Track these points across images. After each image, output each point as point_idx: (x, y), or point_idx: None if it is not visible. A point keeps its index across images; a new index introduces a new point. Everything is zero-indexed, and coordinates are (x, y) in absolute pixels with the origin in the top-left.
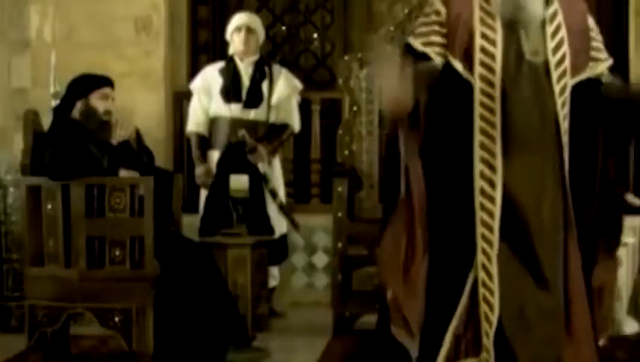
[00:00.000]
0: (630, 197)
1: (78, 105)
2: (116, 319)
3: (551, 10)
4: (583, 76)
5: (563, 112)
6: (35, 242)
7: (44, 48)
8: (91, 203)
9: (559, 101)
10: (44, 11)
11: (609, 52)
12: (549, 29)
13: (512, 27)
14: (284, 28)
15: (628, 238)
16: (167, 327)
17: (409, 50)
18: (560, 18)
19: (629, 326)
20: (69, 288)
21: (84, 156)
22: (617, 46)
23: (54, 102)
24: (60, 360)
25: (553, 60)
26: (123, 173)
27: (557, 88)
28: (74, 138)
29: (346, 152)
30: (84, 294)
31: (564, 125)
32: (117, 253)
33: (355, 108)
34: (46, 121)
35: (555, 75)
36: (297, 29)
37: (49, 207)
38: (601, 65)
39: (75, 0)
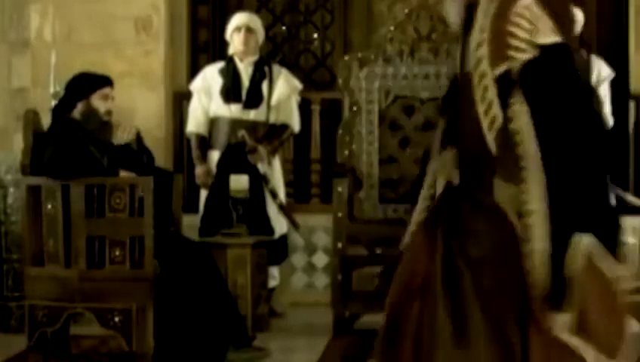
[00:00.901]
0: (630, 197)
1: (79, 107)
2: (116, 319)
3: (483, 13)
4: (500, 70)
5: (487, 119)
6: (35, 242)
7: (44, 48)
8: (91, 203)
9: (481, 109)
10: (44, 11)
11: (609, 52)
12: (473, 35)
13: (463, 40)
14: (284, 28)
15: (628, 238)
16: (167, 327)
17: None
18: (487, 20)
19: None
20: (69, 288)
21: (85, 155)
22: (617, 46)
23: (54, 102)
24: (60, 360)
25: (471, 67)
26: (122, 174)
27: (478, 94)
28: (74, 138)
29: (346, 152)
30: (84, 294)
31: (493, 131)
32: (117, 253)
33: (355, 108)
34: (46, 121)
35: (475, 81)
36: (297, 29)
37: (49, 207)
38: (514, 62)
39: (75, 0)
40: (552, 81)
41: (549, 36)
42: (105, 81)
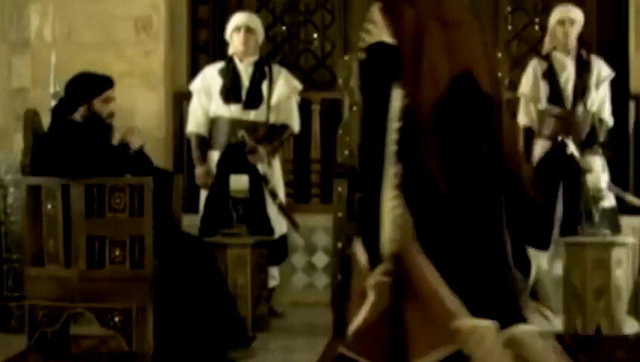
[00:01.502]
0: (630, 197)
1: (81, 110)
2: (116, 319)
3: None
4: None
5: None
6: (35, 242)
7: (44, 48)
8: (91, 203)
9: None
10: (44, 11)
11: (609, 52)
12: None
13: None
14: (284, 28)
15: (628, 238)
16: (167, 327)
17: None
18: None
19: (629, 326)
20: (69, 288)
21: (87, 155)
22: (617, 46)
23: (54, 102)
24: (60, 360)
25: None
26: None
27: None
28: (74, 139)
29: (346, 152)
30: (84, 294)
31: None
32: (117, 253)
33: (355, 108)
34: (46, 121)
35: None
36: (297, 29)
37: (49, 207)
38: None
39: (75, 0)
40: (361, 77)
41: (376, 37)
42: (107, 84)
